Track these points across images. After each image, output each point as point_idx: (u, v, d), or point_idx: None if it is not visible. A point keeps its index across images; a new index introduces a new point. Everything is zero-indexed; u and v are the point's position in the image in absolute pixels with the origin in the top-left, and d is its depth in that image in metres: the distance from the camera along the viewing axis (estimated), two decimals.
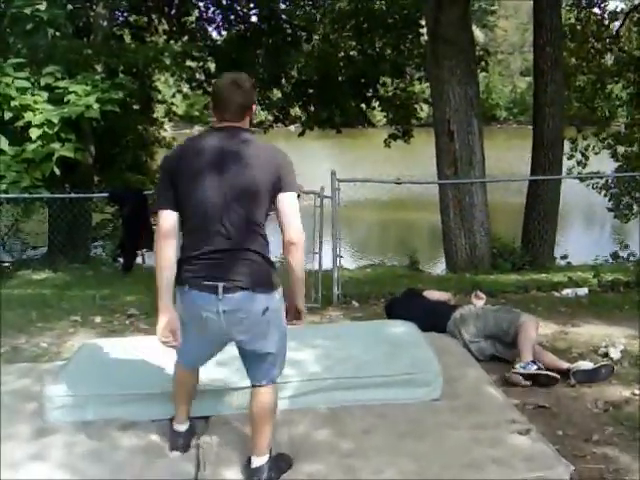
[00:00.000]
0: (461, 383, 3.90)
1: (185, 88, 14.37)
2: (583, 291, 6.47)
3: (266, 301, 2.84)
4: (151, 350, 4.16)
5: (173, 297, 2.92)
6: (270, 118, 15.80)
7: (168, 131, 17.15)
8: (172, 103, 14.31)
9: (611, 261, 10.57)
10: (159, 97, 13.68)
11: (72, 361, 4.11)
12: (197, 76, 13.90)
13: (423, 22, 13.44)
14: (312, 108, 14.27)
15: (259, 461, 2.99)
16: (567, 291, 6.47)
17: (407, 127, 14.82)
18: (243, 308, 2.79)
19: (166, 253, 2.80)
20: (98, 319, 6.31)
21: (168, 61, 11.42)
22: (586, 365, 4.34)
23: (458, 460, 3.01)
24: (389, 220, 21.46)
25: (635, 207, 14.55)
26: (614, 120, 14.11)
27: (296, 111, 15.35)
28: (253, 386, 3.02)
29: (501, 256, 9.49)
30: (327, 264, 7.03)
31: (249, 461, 3.03)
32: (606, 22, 13.33)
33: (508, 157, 23.93)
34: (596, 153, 13.76)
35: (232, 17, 13.49)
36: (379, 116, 16.99)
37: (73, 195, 9.75)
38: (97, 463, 3.15)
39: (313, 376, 3.64)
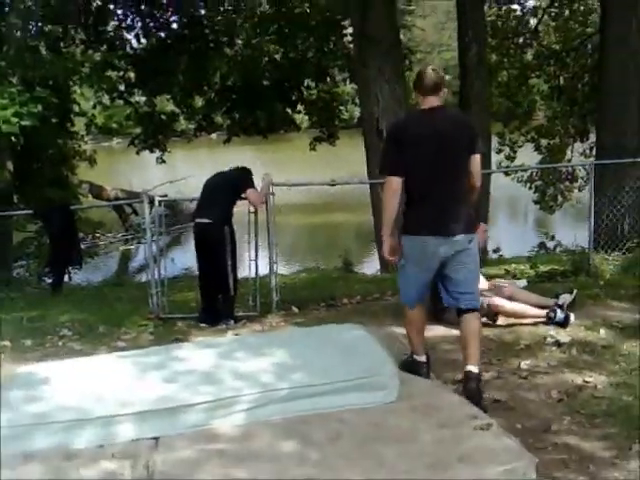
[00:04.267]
0: (412, 384, 3.82)
1: (105, 99, 13.94)
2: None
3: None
4: (90, 373, 3.96)
5: None
6: (191, 127, 15.61)
7: (88, 144, 16.62)
8: (93, 115, 13.86)
9: (541, 252, 10.74)
10: (78, 109, 13.20)
11: (8, 390, 3.83)
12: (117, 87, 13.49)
13: (345, 23, 13.55)
14: (236, 114, 14.06)
15: (473, 368, 3.76)
16: None
17: (332, 129, 14.79)
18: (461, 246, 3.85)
19: (395, 204, 3.84)
20: (29, 342, 5.99)
21: (88, 72, 11.09)
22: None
23: (423, 461, 2.93)
24: (317, 223, 21.44)
25: (560, 198, 14.93)
26: (536, 113, 14.41)
27: (219, 119, 15.15)
28: (461, 313, 3.92)
29: None
30: (263, 271, 6.89)
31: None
32: (526, 18, 13.62)
33: None
34: (519, 146, 14.03)
35: (152, 24, 13.16)
36: (300, 119, 16.83)
37: None
38: None
39: (267, 387, 3.49)
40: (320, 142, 14.76)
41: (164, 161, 14.37)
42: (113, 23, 13.33)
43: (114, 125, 27.14)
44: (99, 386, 3.66)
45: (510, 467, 2.86)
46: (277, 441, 3.22)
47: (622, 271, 6.63)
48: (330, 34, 13.37)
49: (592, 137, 15.39)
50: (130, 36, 13.32)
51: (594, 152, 15.26)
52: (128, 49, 13.41)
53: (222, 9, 13.67)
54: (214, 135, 17.36)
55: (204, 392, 3.48)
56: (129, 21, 13.18)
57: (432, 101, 3.88)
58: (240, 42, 13.52)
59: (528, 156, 14.96)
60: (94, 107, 13.84)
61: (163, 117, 14.03)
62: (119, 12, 13.10)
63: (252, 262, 6.75)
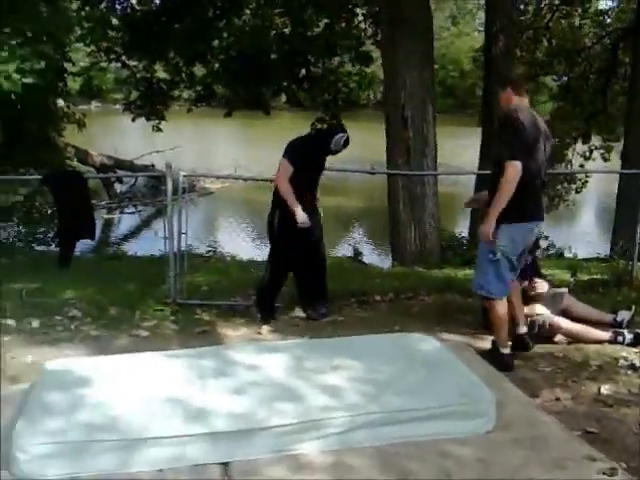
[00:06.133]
0: (506, 408, 3.43)
1: (103, 61, 13.17)
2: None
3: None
4: (138, 376, 3.46)
5: None
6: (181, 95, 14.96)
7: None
8: (89, 76, 13.13)
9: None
10: (72, 69, 12.46)
11: (41, 390, 3.31)
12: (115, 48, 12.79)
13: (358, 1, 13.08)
14: (239, 87, 13.43)
15: (524, 329, 4.65)
16: None
17: (334, 110, 14.27)
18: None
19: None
20: (36, 323, 5.45)
21: (90, 28, 10.43)
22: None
23: None
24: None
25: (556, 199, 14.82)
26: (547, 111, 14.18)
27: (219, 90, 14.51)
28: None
29: (450, 249, 9.19)
30: None
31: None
32: (542, 13, 13.30)
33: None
34: None
35: None
36: (303, 97, 16.20)
37: None
38: None
39: (359, 409, 3.07)
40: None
41: (160, 129, 13.68)
42: None
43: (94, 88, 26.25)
44: (154, 396, 3.19)
45: None
46: (377, 475, 2.81)
47: None
48: (341, 12, 12.85)
49: (593, 139, 15.36)
50: None
51: (594, 154, 15.28)
52: (128, 10, 12.67)
53: None
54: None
55: (285, 411, 3.05)
56: None
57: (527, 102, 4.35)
58: (248, 12, 12.87)
59: None
60: (89, 68, 13.06)
61: (162, 85, 13.34)
62: None
63: None
